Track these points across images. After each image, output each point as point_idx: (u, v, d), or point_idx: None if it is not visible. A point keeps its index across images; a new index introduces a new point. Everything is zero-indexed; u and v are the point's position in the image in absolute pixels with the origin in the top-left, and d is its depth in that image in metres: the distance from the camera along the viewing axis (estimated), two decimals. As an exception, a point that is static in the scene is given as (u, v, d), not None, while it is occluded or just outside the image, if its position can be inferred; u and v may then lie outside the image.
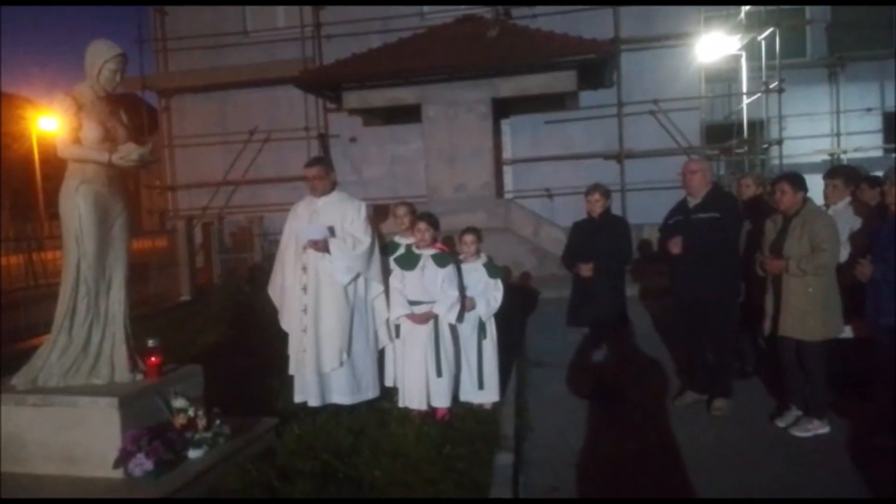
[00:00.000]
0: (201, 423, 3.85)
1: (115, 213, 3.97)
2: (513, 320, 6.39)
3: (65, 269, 3.91)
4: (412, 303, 4.87)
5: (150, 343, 3.99)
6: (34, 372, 3.86)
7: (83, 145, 3.86)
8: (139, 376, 3.96)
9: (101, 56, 3.94)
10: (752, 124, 14.34)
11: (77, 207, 3.84)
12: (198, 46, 15.15)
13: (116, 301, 3.97)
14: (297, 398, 4.87)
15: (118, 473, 3.54)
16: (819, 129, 16.02)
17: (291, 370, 4.92)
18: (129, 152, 3.89)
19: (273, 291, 5.09)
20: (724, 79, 15.00)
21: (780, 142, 14.06)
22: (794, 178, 4.64)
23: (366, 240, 4.81)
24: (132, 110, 4.36)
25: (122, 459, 3.52)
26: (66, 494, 3.41)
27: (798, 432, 4.51)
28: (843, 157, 15.57)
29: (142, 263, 10.34)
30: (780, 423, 4.66)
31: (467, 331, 5.06)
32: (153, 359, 3.96)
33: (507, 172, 14.67)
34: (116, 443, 3.56)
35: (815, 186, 5.70)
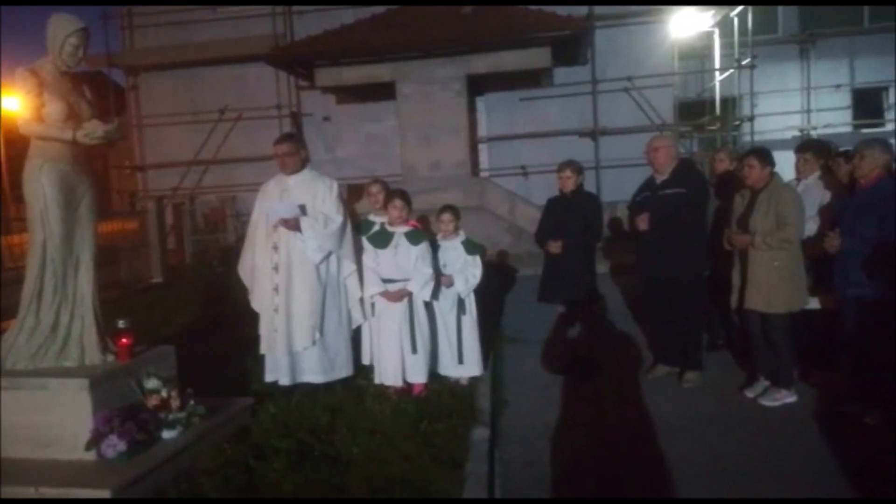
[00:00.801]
0: (175, 403, 3.82)
1: (80, 193, 3.88)
2: (489, 297, 6.42)
3: (31, 251, 3.82)
4: (386, 280, 4.86)
5: (121, 324, 3.93)
6: (2, 355, 3.78)
7: (46, 123, 3.75)
8: (110, 358, 3.90)
9: (62, 30, 3.81)
10: (724, 101, 14.48)
11: (41, 187, 3.74)
12: (165, 22, 14.79)
13: (85, 282, 3.90)
14: (268, 377, 4.86)
15: (91, 455, 3.50)
16: (790, 106, 16.22)
17: (263, 349, 4.89)
18: (93, 130, 3.78)
19: (243, 271, 5.04)
20: (697, 56, 15.09)
21: (751, 118, 14.23)
22: (762, 154, 4.69)
23: (338, 218, 4.77)
24: (98, 88, 4.26)
25: (95, 441, 3.48)
26: (38, 478, 3.36)
27: (766, 402, 4.61)
28: (812, 133, 15.81)
29: (112, 245, 10.18)
30: (749, 394, 4.76)
31: (446, 307, 5.08)
32: (124, 340, 3.90)
33: (483, 150, 14.65)
34: (88, 425, 3.52)
35: (786, 162, 5.80)
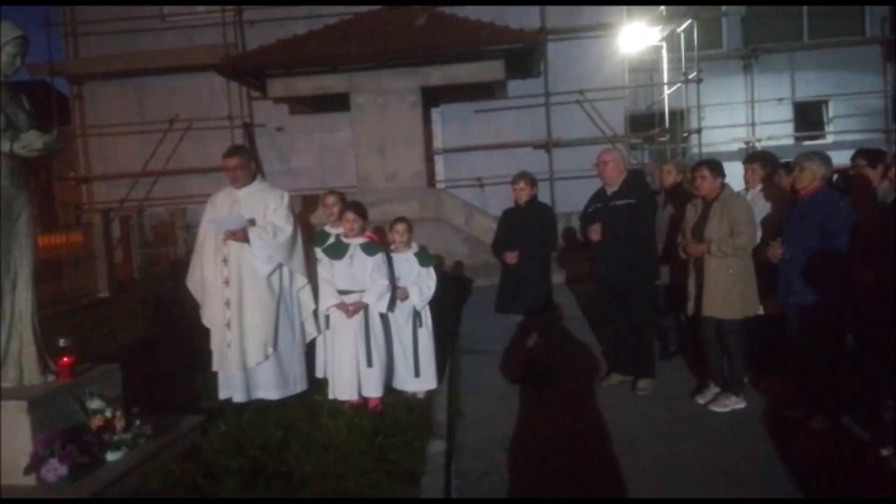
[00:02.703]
0: (119, 423, 3.69)
1: (18, 207, 3.72)
2: (446, 308, 6.41)
3: (-36, 267, 3.65)
4: (342, 292, 4.81)
5: (62, 342, 3.78)
6: (-67, 376, 3.59)
7: (-19, 134, 3.60)
8: (50, 377, 3.75)
9: (-1, 38, 3.67)
10: (673, 113, 14.84)
11: (-24, 200, 3.58)
12: (111, 31, 14.38)
13: (23, 299, 3.74)
14: (222, 394, 4.74)
15: (30, 480, 3.35)
16: (735, 119, 16.72)
17: (215, 366, 4.78)
18: (31, 141, 3.65)
19: (192, 284, 4.91)
20: (646, 69, 15.44)
21: (699, 130, 14.61)
22: (713, 165, 4.82)
23: (287, 228, 4.69)
24: (40, 97, 4.10)
25: (34, 465, 3.33)
26: (-30, 506, 3.21)
27: (716, 408, 4.71)
28: (757, 145, 16.31)
29: (56, 259, 9.82)
30: (700, 400, 4.85)
31: (402, 319, 5.05)
32: (65, 359, 3.75)
33: (439, 161, 14.68)
34: (27, 448, 3.37)
35: (732, 173, 5.95)
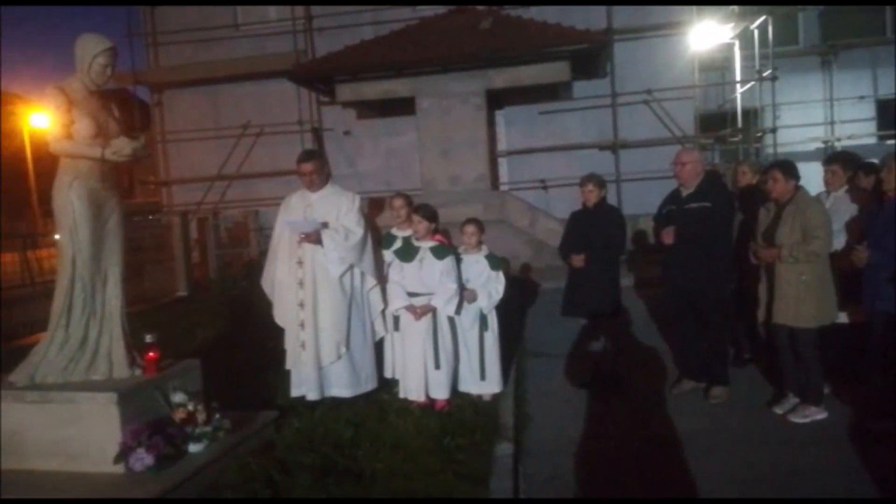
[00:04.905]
0: (201, 417, 3.85)
1: (109, 209, 3.94)
2: (511, 311, 6.39)
3: (60, 266, 3.88)
4: (410, 294, 4.86)
5: (148, 338, 3.98)
6: (32, 368, 3.83)
7: (75, 141, 3.81)
8: (137, 372, 3.94)
9: (91, 50, 3.89)
10: (745, 113, 14.37)
11: (71, 203, 3.80)
12: (189, 40, 15.04)
13: (113, 297, 3.95)
14: (295, 392, 4.87)
15: (119, 468, 3.53)
16: (812, 118, 16.06)
17: (289, 365, 4.91)
18: (121, 147, 3.85)
19: (266, 285, 5.06)
20: (717, 67, 15.01)
21: (773, 130, 14.10)
22: (786, 166, 4.65)
23: (358, 231, 4.79)
24: (124, 105, 4.34)
25: (123, 454, 3.51)
26: (66, 490, 3.40)
27: (796, 418, 4.53)
28: (836, 144, 15.62)
29: (137, 259, 10.31)
30: (778, 410, 4.68)
31: (468, 322, 5.05)
32: (151, 354, 3.94)
33: (502, 164, 14.66)
34: (116, 438, 3.55)
35: (809, 174, 5.73)
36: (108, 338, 3.93)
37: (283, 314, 4.94)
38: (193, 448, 3.79)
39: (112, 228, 3.97)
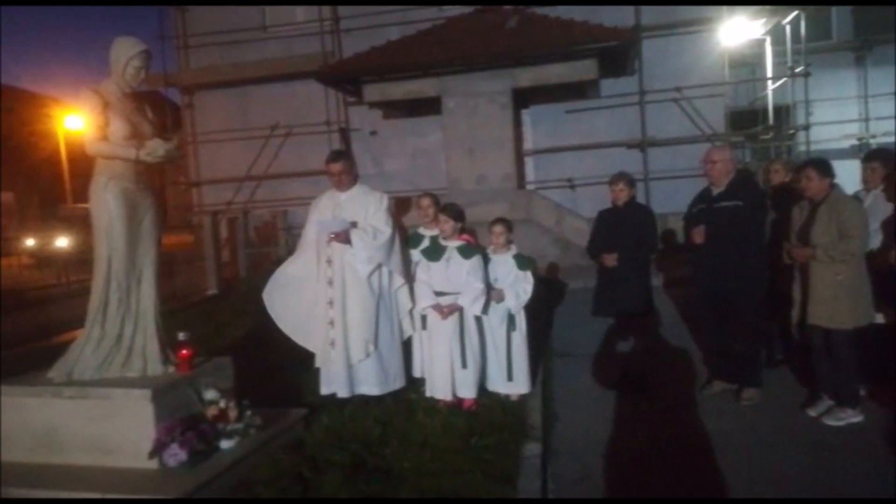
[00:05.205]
0: (232, 414, 3.90)
1: (143, 209, 4.02)
2: (538, 311, 6.37)
3: (96, 265, 3.97)
4: (437, 293, 4.87)
5: (181, 336, 4.04)
6: (70, 365, 3.93)
7: (111, 142, 3.90)
8: (171, 369, 4.01)
9: (125, 53, 3.97)
10: (777, 110, 14.13)
11: (106, 203, 3.88)
12: (218, 42, 15.26)
13: (147, 295, 4.03)
14: (325, 390, 4.91)
15: (153, 464, 3.60)
16: (847, 114, 15.73)
17: (318, 363, 4.96)
18: (155, 148, 3.92)
19: (279, 274, 5.07)
20: (748, 64, 14.78)
21: (806, 127, 13.84)
22: (820, 165, 4.56)
23: (386, 230, 4.82)
24: (156, 107, 4.41)
25: (157, 450, 3.57)
26: (101, 484, 3.47)
27: (830, 421, 4.45)
28: (871, 141, 15.27)
29: (169, 258, 10.48)
30: (812, 412, 4.60)
31: (496, 322, 5.04)
32: (184, 351, 4.01)
33: (528, 163, 14.61)
34: (150, 434, 3.61)
35: (843, 172, 5.61)
36: (142, 335, 4.01)
37: (290, 307, 4.97)
38: (225, 444, 3.84)
39: (146, 228, 4.05)
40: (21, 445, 3.83)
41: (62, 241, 18.65)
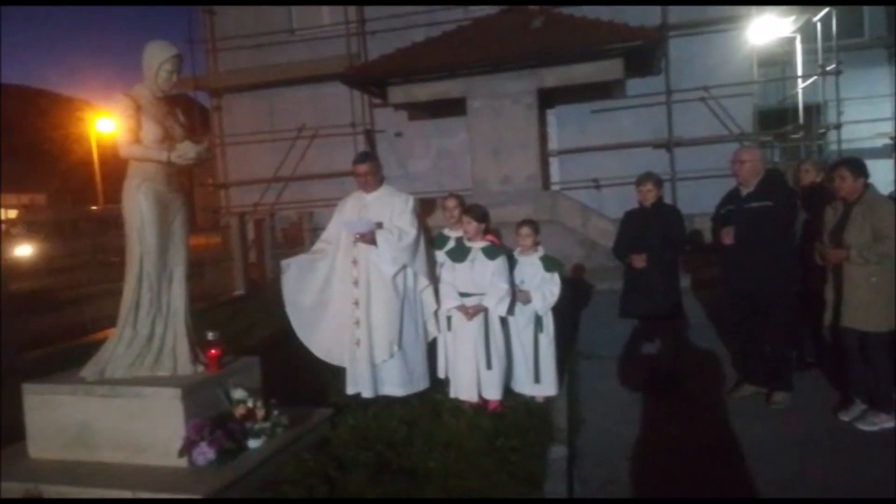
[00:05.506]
0: (260, 413, 3.94)
1: (174, 210, 4.09)
2: (563, 312, 6.34)
3: (128, 265, 4.03)
4: (462, 295, 4.87)
5: (210, 336, 4.09)
6: (102, 364, 4.00)
7: (143, 145, 3.96)
8: (200, 368, 4.07)
9: (158, 57, 4.03)
10: (807, 108, 13.89)
11: (139, 205, 3.95)
12: (246, 46, 15.45)
13: (178, 295, 4.09)
14: (350, 389, 4.94)
15: (182, 462, 3.65)
16: (880, 112, 15.38)
17: (344, 363, 4.99)
18: (186, 151, 3.97)
19: (293, 262, 5.05)
20: (777, 62, 14.55)
21: (838, 126, 13.57)
22: (854, 164, 4.48)
23: (412, 231, 4.83)
24: (185, 110, 4.47)
25: (186, 448, 3.62)
26: (135, 482, 3.53)
27: (863, 426, 4.36)
28: (906, 140, 14.92)
29: (197, 259, 10.63)
30: (845, 417, 4.51)
31: (523, 324, 5.03)
32: (213, 351, 4.06)
33: (554, 163, 14.55)
34: (180, 432, 3.66)
35: (878, 172, 5.50)
36: (172, 335, 4.07)
37: (307, 296, 4.98)
38: (253, 443, 3.88)
39: (177, 229, 4.11)
40: (55, 443, 3.92)
41: (24, 250, 18.43)
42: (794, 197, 5.12)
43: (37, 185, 32.81)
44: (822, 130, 14.32)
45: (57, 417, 3.92)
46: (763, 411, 4.81)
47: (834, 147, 13.96)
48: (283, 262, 5.09)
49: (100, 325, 7.96)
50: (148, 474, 3.63)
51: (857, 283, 4.32)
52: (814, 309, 4.90)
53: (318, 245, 5.15)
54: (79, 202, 30.79)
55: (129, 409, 3.80)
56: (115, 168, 4.26)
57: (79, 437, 3.88)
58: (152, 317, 4.01)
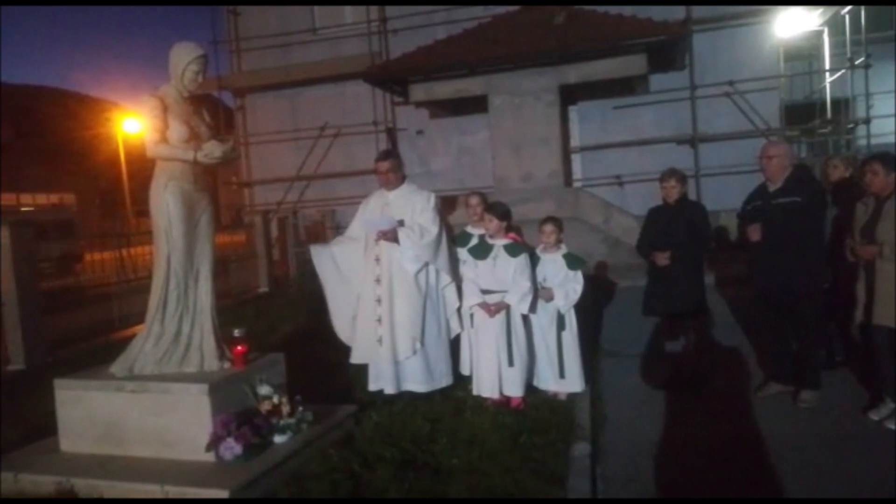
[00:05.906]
0: (285, 409, 3.99)
1: (200, 209, 4.15)
2: (586, 309, 6.32)
3: (156, 263, 4.11)
4: (484, 292, 4.88)
5: (236, 332, 4.15)
6: (130, 360, 4.08)
7: (170, 145, 4.03)
8: (226, 364, 4.12)
9: (184, 57, 4.09)
10: (835, 103, 13.64)
11: (166, 204, 4.02)
12: (269, 45, 15.57)
13: (204, 292, 4.16)
14: (373, 386, 4.98)
15: (209, 456, 3.71)
16: (910, 106, 15.04)
17: (353, 358, 5.05)
18: (212, 150, 4.03)
19: (322, 247, 5.17)
20: (804, 56, 14.30)
21: (867, 121, 13.31)
22: (886, 159, 4.40)
23: (433, 229, 4.85)
24: (210, 110, 4.53)
25: (214, 443, 3.68)
26: (164, 477, 3.59)
27: (893, 425, 4.29)
28: (938, 135, 14.58)
29: (222, 257, 10.77)
30: (874, 416, 4.44)
31: (546, 322, 5.03)
32: (239, 347, 4.12)
33: (576, 160, 14.46)
34: (207, 427, 3.72)
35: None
36: (199, 332, 4.14)
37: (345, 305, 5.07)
38: (278, 439, 3.93)
39: (203, 227, 4.17)
40: (86, 437, 4.00)
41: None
42: (823, 193, 5.04)
43: (65, 186, 33.45)
44: (851, 125, 14.05)
45: (87, 413, 4.00)
46: (790, 410, 4.76)
47: (863, 142, 13.69)
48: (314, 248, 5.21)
49: (128, 321, 8.10)
50: (176, 468, 3.69)
51: (889, 279, 4.24)
52: (842, 306, 4.83)
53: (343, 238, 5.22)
54: (106, 203, 31.32)
55: (157, 404, 3.87)
56: (142, 168, 4.32)
57: (108, 432, 3.96)
58: (179, 314, 4.08)
